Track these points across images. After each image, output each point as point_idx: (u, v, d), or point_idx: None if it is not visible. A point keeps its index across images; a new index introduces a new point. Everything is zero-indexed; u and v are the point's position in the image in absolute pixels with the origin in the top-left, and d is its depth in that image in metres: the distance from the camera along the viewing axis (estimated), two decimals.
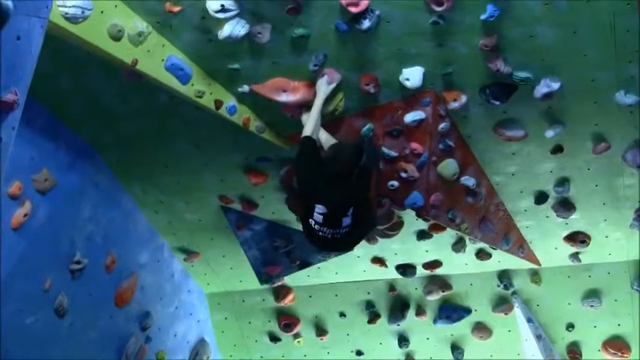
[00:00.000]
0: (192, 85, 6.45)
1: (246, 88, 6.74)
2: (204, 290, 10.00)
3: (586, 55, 6.53)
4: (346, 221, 6.41)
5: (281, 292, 9.89)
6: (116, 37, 5.65)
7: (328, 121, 7.00)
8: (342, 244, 6.92)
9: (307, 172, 6.56)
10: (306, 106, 6.84)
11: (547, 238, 8.93)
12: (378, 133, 7.14)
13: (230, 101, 6.81)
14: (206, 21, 6.11)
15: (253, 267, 9.16)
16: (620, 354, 9.72)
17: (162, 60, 6.17)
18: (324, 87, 6.61)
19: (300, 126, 6.98)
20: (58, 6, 5.09)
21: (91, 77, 6.59)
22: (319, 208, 6.38)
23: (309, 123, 6.66)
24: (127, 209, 8.14)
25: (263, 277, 9.33)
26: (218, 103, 6.69)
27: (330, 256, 9.06)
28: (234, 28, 6.12)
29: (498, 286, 9.63)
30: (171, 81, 6.27)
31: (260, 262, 9.13)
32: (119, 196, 7.99)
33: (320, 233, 6.50)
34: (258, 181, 7.94)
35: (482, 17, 6.17)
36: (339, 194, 6.37)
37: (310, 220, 6.50)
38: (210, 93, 6.63)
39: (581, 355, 9.90)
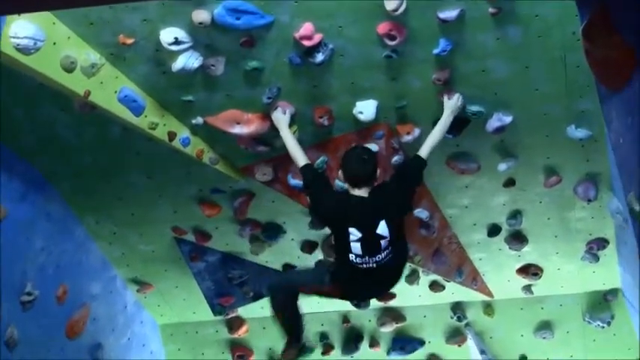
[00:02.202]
0: (146, 116, 6.42)
1: (199, 120, 6.73)
2: (158, 321, 9.92)
3: (538, 90, 6.60)
4: (384, 243, 6.27)
5: (235, 324, 9.83)
6: (69, 68, 5.61)
7: (282, 154, 7.02)
8: (389, 274, 6.63)
9: (323, 197, 6.50)
10: (260, 137, 6.88)
11: (500, 271, 8.98)
12: (331, 166, 7.15)
13: (184, 133, 6.81)
14: (160, 53, 6.09)
15: (207, 298, 9.14)
16: None
17: (116, 92, 6.13)
18: (281, 116, 6.61)
19: (254, 158, 7.07)
20: (10, 37, 5.06)
21: (44, 108, 6.55)
22: (353, 234, 6.26)
23: (293, 155, 6.63)
24: (79, 240, 8.07)
25: (216, 309, 9.30)
26: (171, 135, 6.68)
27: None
28: (187, 61, 6.11)
29: (452, 317, 9.64)
30: (125, 113, 6.24)
31: (213, 294, 9.10)
32: (72, 227, 7.91)
33: (364, 266, 6.34)
34: (211, 213, 7.93)
35: (435, 51, 6.21)
36: (367, 205, 6.30)
37: (350, 256, 6.35)
38: (164, 125, 6.62)
39: None
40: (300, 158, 6.60)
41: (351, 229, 6.28)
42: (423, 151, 6.45)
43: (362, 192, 6.32)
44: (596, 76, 4.73)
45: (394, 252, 6.37)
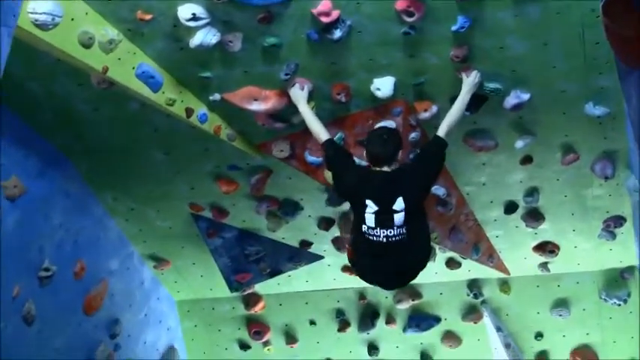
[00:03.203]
0: (163, 92, 6.41)
1: (217, 96, 6.72)
2: (174, 298, 9.96)
3: (556, 67, 6.57)
4: (398, 220, 6.21)
5: (251, 300, 9.86)
6: (87, 44, 5.62)
7: (299, 130, 7.03)
8: (401, 255, 6.40)
9: (345, 171, 6.49)
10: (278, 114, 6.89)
11: (516, 248, 8.98)
12: (349, 142, 7.14)
13: (201, 109, 6.80)
14: (177, 29, 6.07)
15: (223, 275, 9.15)
16: None
17: (133, 68, 6.13)
18: (299, 93, 6.60)
19: (272, 134, 7.10)
20: (29, 12, 5.07)
21: (62, 85, 6.54)
22: (370, 207, 6.24)
23: (314, 130, 6.64)
24: (97, 217, 8.10)
25: (233, 285, 9.32)
26: (189, 112, 6.68)
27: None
28: (205, 37, 6.09)
29: (468, 295, 9.67)
30: (142, 89, 6.23)
31: (230, 270, 9.12)
32: (90, 204, 7.95)
33: (375, 239, 6.28)
34: (229, 189, 7.93)
35: (453, 28, 6.18)
36: (387, 179, 6.28)
37: (363, 227, 6.33)
38: (182, 101, 6.61)
39: None
40: (322, 133, 6.59)
41: (368, 201, 6.26)
42: (442, 130, 6.41)
43: (384, 168, 6.31)
44: (616, 53, 4.70)
45: (409, 233, 6.28)
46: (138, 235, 8.73)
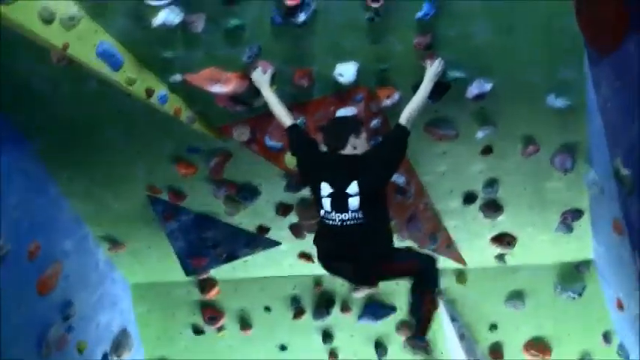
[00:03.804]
0: (124, 72, 6.34)
1: (178, 77, 6.66)
2: (129, 281, 9.92)
3: (520, 57, 6.57)
4: (352, 204, 6.15)
5: (206, 285, 9.84)
6: (47, 19, 5.53)
7: (260, 114, 6.99)
8: (357, 241, 6.27)
9: (307, 156, 6.49)
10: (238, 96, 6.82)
11: (474, 239, 9.01)
12: (310, 128, 7.10)
13: (162, 90, 6.74)
14: (140, 8, 6.03)
15: (179, 259, 9.12)
16: (541, 355, 9.83)
17: (94, 45, 6.04)
18: (262, 76, 6.56)
19: (232, 117, 7.03)
20: None
21: (21, 61, 6.45)
22: (324, 189, 6.23)
23: (278, 114, 6.60)
24: (53, 197, 8.01)
25: (189, 270, 9.28)
26: (149, 92, 6.61)
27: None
28: (168, 16, 6.06)
29: None
30: (103, 67, 6.15)
31: (186, 254, 9.08)
32: (46, 184, 7.86)
33: (331, 222, 6.26)
34: (187, 172, 7.88)
35: (418, 15, 6.17)
36: (342, 162, 6.26)
37: (321, 211, 6.32)
38: (142, 81, 6.54)
39: (502, 356, 9.99)
40: (285, 118, 6.56)
41: (323, 184, 6.24)
42: (404, 118, 6.32)
43: (341, 153, 6.29)
44: (587, 38, 4.72)
45: (365, 218, 6.20)
46: (93, 216, 8.64)
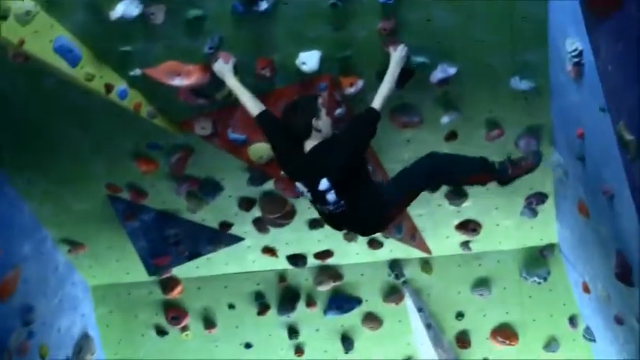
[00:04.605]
0: (82, 67, 6.24)
1: (138, 71, 6.56)
2: (89, 283, 9.77)
3: (483, 41, 6.54)
4: (330, 198, 6.02)
5: (169, 284, 9.71)
6: (2, 15, 5.44)
7: (222, 107, 6.92)
8: (354, 220, 6.28)
9: (282, 146, 6.26)
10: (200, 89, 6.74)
11: (439, 227, 8.99)
12: None
13: (121, 85, 6.64)
14: (98, 0, 5.94)
15: (141, 258, 9.03)
16: (507, 342, 9.83)
17: (51, 41, 5.95)
18: (224, 67, 6.43)
19: (194, 112, 7.04)
20: None
21: None
22: (301, 186, 6.16)
23: (246, 103, 6.39)
24: (9, 198, 7.85)
25: (152, 269, 9.19)
26: (108, 87, 6.51)
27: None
28: (127, 8, 5.98)
29: (389, 275, 9.66)
30: (60, 63, 6.06)
31: (148, 254, 8.99)
32: (2, 186, 7.69)
33: (320, 209, 6.27)
34: (148, 169, 7.77)
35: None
36: (306, 162, 6.09)
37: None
38: (101, 77, 6.44)
39: (470, 344, 9.99)
40: (254, 106, 6.37)
41: (298, 184, 6.20)
42: (376, 103, 6.16)
43: (310, 143, 6.09)
44: (586, 2, 4.65)
45: (348, 204, 6.06)
46: (52, 218, 8.47)
